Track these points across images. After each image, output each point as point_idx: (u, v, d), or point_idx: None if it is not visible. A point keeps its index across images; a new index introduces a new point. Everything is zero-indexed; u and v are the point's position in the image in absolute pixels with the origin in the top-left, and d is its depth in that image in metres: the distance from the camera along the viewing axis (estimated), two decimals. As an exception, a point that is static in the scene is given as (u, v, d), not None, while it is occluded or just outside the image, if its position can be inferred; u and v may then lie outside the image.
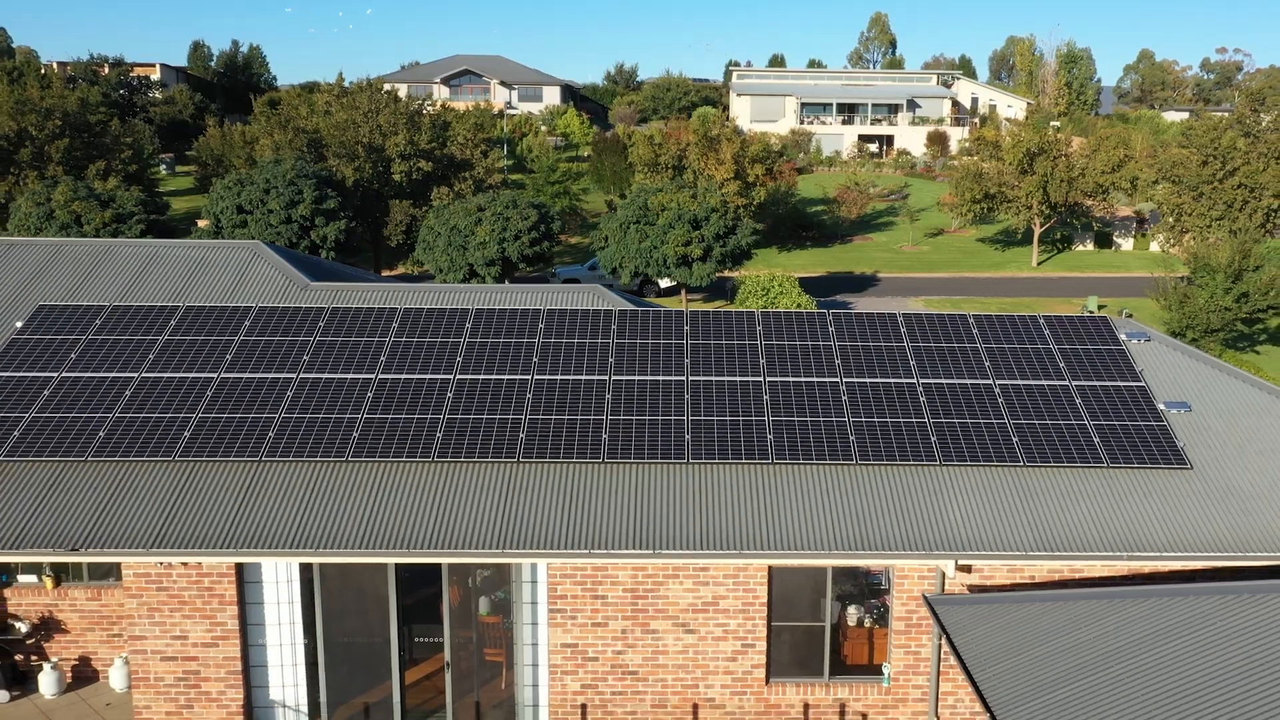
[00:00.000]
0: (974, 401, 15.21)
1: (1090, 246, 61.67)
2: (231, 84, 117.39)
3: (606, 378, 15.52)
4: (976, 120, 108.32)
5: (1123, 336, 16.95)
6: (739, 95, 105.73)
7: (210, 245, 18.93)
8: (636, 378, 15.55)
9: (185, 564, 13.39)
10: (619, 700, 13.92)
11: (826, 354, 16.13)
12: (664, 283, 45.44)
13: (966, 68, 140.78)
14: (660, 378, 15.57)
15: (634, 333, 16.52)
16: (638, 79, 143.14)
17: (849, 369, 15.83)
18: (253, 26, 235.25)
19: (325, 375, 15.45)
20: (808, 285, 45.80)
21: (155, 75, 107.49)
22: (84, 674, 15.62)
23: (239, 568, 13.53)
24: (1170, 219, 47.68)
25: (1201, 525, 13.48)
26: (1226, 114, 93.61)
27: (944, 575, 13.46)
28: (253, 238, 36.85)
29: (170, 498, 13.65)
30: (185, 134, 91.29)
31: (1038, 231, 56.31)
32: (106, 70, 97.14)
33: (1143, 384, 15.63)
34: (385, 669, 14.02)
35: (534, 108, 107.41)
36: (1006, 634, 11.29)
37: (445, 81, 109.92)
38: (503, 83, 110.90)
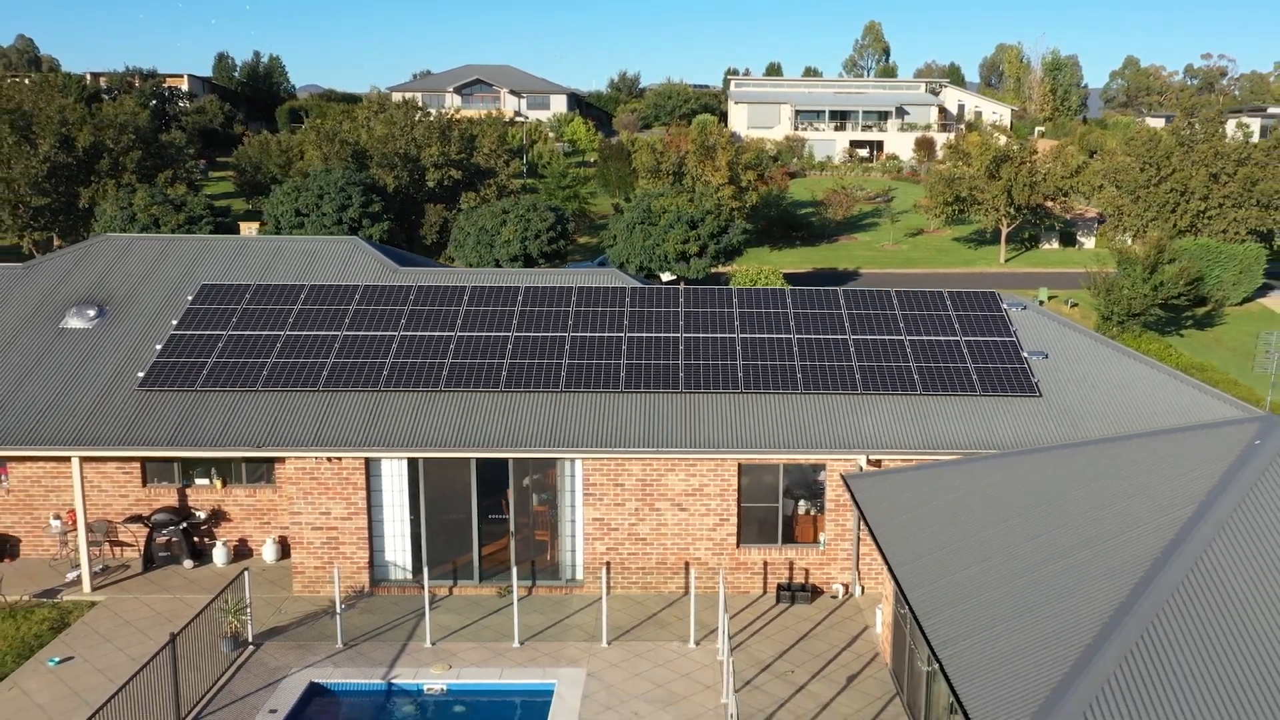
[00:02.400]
0: (888, 351, 20.97)
1: (1056, 245, 67.28)
2: (253, 93, 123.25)
3: (622, 334, 21.29)
4: (962, 126, 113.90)
5: (1005, 306, 22.68)
6: (736, 103, 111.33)
7: (320, 240, 24.73)
8: (644, 334, 21.32)
9: (330, 459, 19.16)
10: (633, 559, 19.68)
11: (783, 319, 21.90)
12: (665, 276, 51.12)
13: (955, 75, 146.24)
14: (661, 335, 21.35)
15: (642, 303, 22.30)
16: (640, 86, 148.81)
17: (800, 328, 21.60)
18: (269, 35, 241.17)
19: (418, 333, 21.23)
20: (794, 280, 51.39)
21: (184, 85, 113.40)
22: (242, 551, 21.40)
23: (367, 462, 19.30)
24: (1113, 219, 53.35)
25: (1040, 432, 19.23)
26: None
27: (860, 467, 19.20)
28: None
29: (317, 415, 19.44)
30: (215, 141, 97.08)
31: (1005, 231, 61.93)
32: (138, 81, 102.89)
33: (1013, 339, 21.39)
34: (468, 541, 19.78)
35: (542, 115, 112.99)
36: (891, 492, 17.00)
37: (457, 90, 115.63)
38: (512, 91, 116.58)
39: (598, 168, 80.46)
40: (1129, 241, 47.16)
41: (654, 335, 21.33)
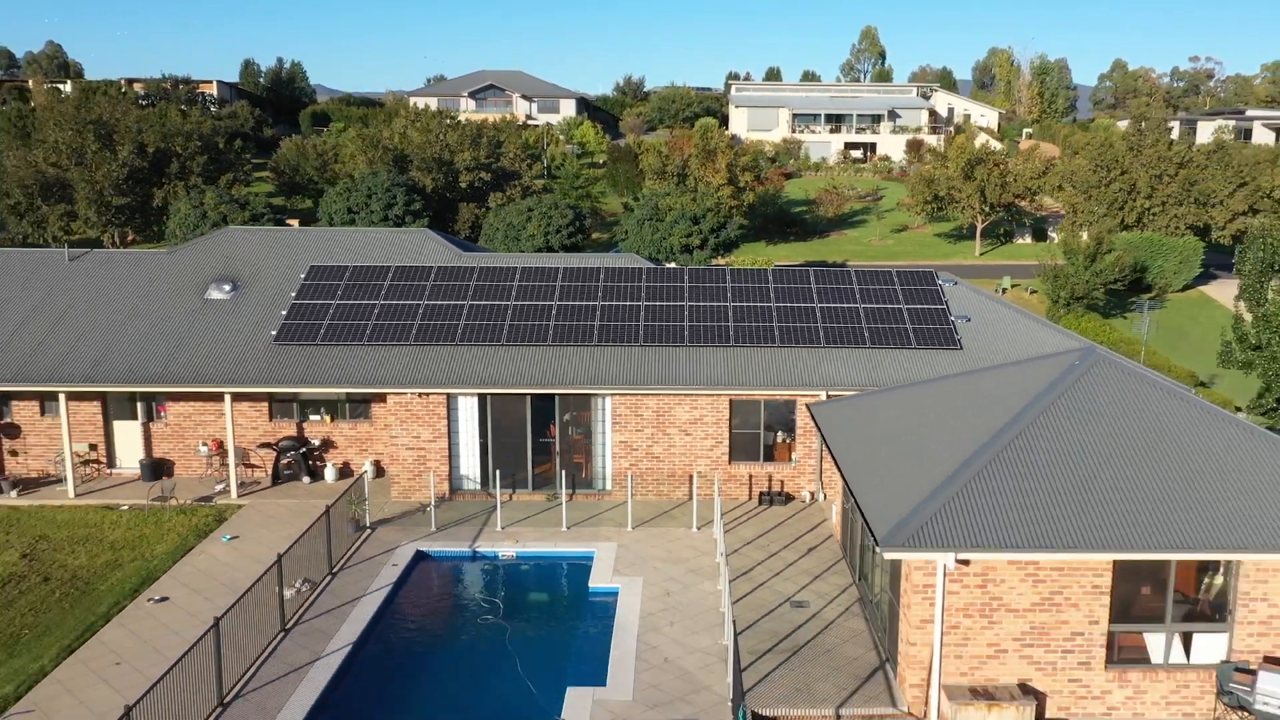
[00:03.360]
0: (846, 315, 27.10)
1: (1028, 240, 73.33)
2: (277, 97, 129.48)
3: (640, 303, 27.43)
4: (951, 129, 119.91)
5: (940, 283, 28.78)
6: (737, 107, 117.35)
7: (398, 230, 30.90)
8: (656, 303, 27.46)
9: (420, 395, 25.30)
10: (649, 472, 25.81)
11: (765, 292, 28.03)
12: (670, 265, 57.28)
13: (946, 79, 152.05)
14: (670, 303, 27.48)
15: (655, 280, 28.43)
16: (644, 89, 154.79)
17: (778, 299, 27.73)
18: (268, 36, 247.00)
19: (483, 303, 27.38)
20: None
21: (213, 91, 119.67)
22: (346, 472, 27.56)
23: (448, 398, 25.44)
24: (1070, 216, 59.37)
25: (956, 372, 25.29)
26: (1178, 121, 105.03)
27: (820, 403, 25.30)
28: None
29: (409, 363, 25.57)
30: (247, 144, 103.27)
31: (980, 227, 67.98)
32: (170, 86, 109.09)
33: (943, 307, 27.50)
34: (524, 459, 25.90)
35: (552, 118, 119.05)
36: (841, 413, 23.07)
37: (472, 95, 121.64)
38: (524, 96, 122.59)
39: (607, 169, 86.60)
40: (1084, 236, 53.07)
41: (664, 304, 27.46)
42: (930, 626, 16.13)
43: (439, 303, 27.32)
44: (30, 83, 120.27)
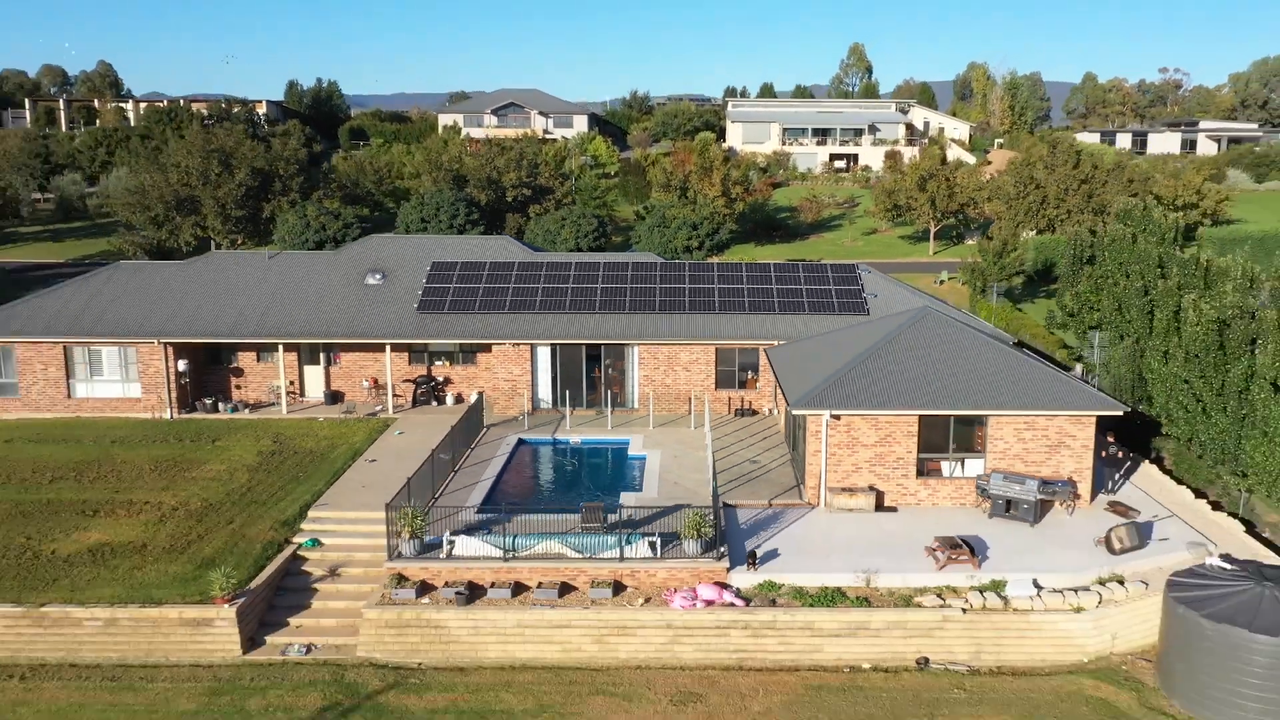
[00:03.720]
0: (791, 294, 40.67)
1: (976, 240, 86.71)
2: (317, 114, 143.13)
3: (655, 285, 41.01)
4: (925, 140, 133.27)
5: (859, 272, 42.28)
6: (733, 121, 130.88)
7: (487, 238, 44.50)
8: (668, 285, 41.03)
9: (514, 345, 38.85)
10: (662, 395, 39.36)
11: (740, 277, 41.60)
12: (675, 261, 70.81)
13: (926, 93, 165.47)
14: (676, 285, 41.06)
15: (665, 270, 42.03)
16: (649, 102, 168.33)
17: (749, 282, 41.29)
18: (325, 60, 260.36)
19: (551, 285, 40.97)
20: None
21: (263, 110, 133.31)
22: (459, 399, 41.12)
23: (531, 347, 39.00)
24: (997, 222, 72.78)
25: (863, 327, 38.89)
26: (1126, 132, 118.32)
27: (773, 347, 38.88)
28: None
29: (505, 325, 39.14)
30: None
31: (933, 230, 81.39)
32: (225, 105, 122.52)
33: (859, 287, 41.04)
34: (581, 388, 39.44)
35: (566, 132, 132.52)
36: (785, 353, 36.52)
37: (494, 112, 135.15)
38: (540, 112, 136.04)
39: (619, 180, 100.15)
40: (994, 239, 66.43)
41: (671, 286, 41.02)
42: (819, 455, 29.68)
43: (522, 285, 40.90)
44: (96, 103, 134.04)
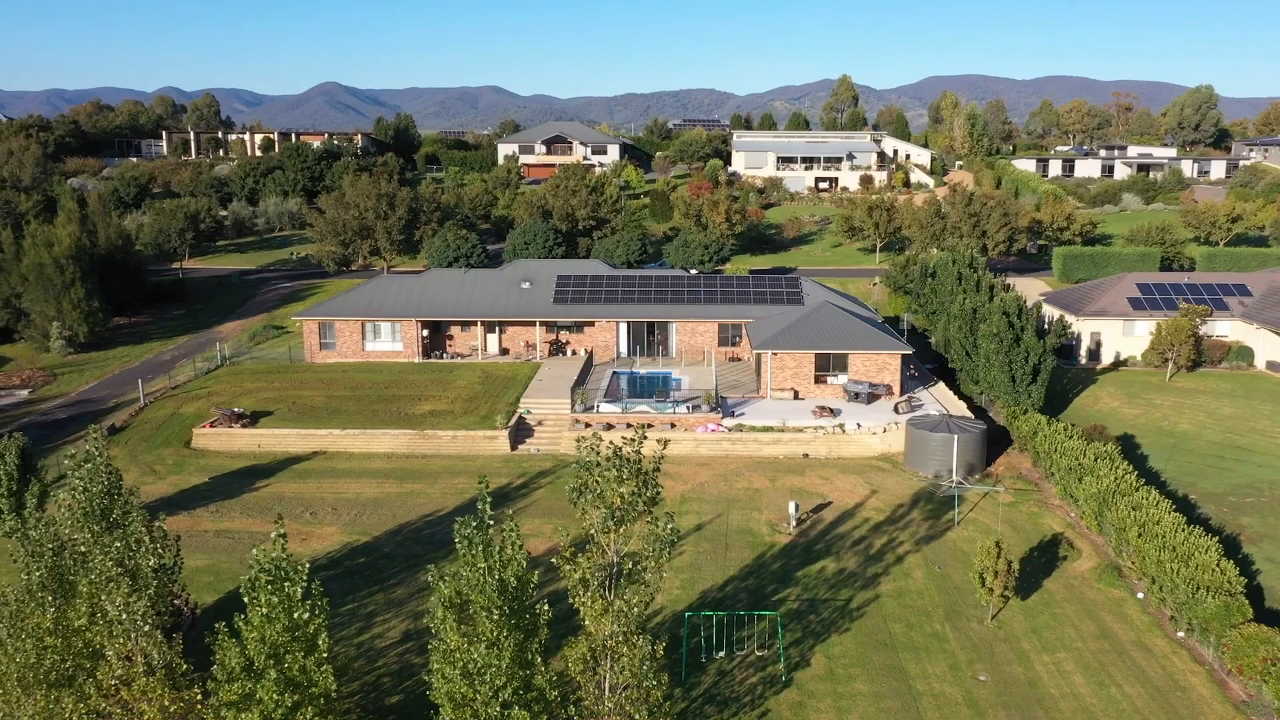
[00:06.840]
0: (759, 292, 72.39)
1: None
2: (398, 144, 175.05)
3: (685, 288, 72.81)
4: (894, 166, 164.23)
5: (799, 278, 73.91)
6: (737, 150, 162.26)
7: (584, 261, 76.22)
8: (687, 287, 72.84)
9: (607, 321, 70.59)
10: (688, 346, 71.07)
11: (732, 283, 73.38)
12: (692, 272, 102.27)
13: (900, 121, 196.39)
14: (695, 287, 72.86)
15: (690, 278, 73.83)
16: (668, 126, 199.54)
17: (739, 285, 73.08)
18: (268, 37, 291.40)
19: (626, 288, 72.79)
20: (758, 273, 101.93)
21: (358, 140, 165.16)
22: (575, 352, 72.93)
23: (615, 322, 70.76)
24: (915, 242, 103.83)
25: (799, 312, 70.58)
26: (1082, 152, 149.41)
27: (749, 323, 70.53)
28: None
29: (599, 310, 70.88)
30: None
31: (878, 245, 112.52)
32: (331, 138, 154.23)
33: (799, 289, 72.71)
34: (644, 345, 71.17)
35: (603, 159, 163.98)
36: (757, 327, 67.97)
37: (544, 143, 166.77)
38: (581, 143, 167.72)
39: (649, 204, 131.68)
40: (905, 253, 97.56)
41: (693, 288, 72.75)
42: (767, 372, 61.41)
43: (610, 287, 72.59)
44: (232, 138, 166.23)
